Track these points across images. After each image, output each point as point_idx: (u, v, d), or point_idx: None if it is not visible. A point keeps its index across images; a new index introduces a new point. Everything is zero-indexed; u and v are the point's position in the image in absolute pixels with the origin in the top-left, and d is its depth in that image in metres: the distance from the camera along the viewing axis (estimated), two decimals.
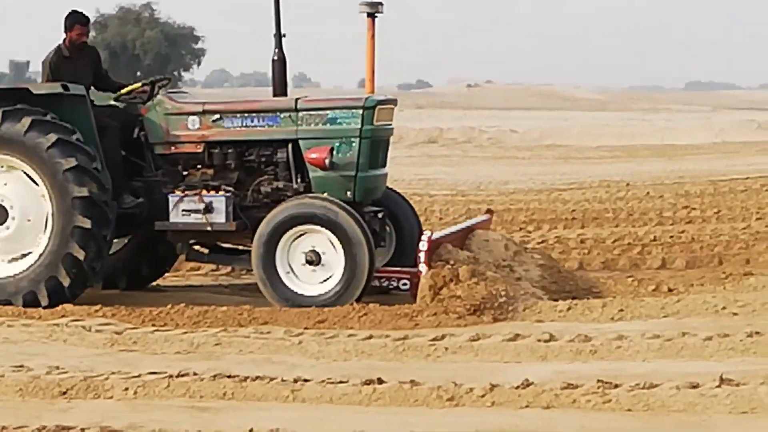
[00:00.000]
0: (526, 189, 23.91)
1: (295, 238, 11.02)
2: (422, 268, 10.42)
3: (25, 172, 11.06)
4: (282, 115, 11.68)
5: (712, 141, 42.42)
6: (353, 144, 11.41)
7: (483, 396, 6.77)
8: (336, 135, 11.48)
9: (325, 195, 11.12)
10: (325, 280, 10.95)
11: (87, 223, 10.72)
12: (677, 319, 9.21)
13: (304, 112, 11.59)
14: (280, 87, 12.23)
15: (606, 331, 8.75)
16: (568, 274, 12.03)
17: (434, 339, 8.72)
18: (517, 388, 6.83)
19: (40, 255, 10.93)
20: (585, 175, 27.33)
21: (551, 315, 9.67)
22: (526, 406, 6.64)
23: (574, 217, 17.93)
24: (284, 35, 12.14)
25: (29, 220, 11.07)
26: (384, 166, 11.93)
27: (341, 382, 7.17)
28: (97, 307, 10.41)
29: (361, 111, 11.43)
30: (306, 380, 7.22)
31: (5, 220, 11.08)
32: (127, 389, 7.30)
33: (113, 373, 7.66)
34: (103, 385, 7.36)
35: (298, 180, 11.57)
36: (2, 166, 11.18)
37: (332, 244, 10.84)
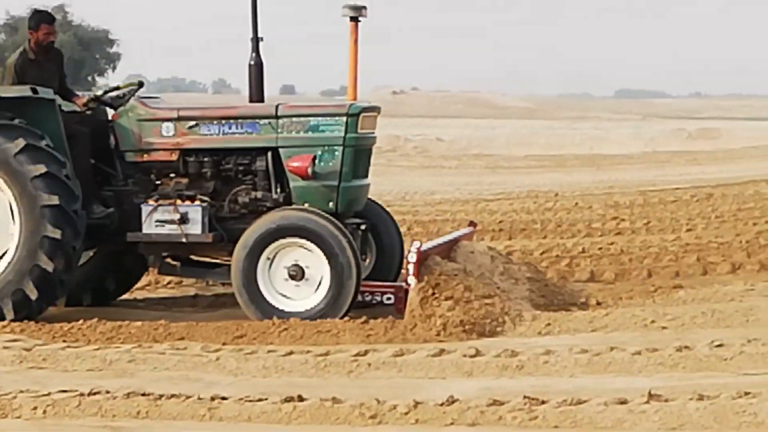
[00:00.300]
0: (452, 199, 23.94)
1: (278, 252, 10.83)
2: (411, 280, 10.28)
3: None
4: (262, 122, 11.48)
5: (642, 150, 42.85)
6: (336, 153, 11.24)
7: (407, 413, 6.75)
8: (318, 143, 11.30)
9: (307, 206, 10.98)
10: (308, 296, 10.77)
11: (57, 234, 10.49)
12: (605, 333, 9.27)
13: (285, 119, 11.41)
14: (257, 93, 12.07)
15: (533, 346, 8.76)
16: (556, 288, 11.99)
17: (357, 354, 8.69)
18: (442, 405, 6.82)
19: (6, 267, 10.67)
20: (513, 185, 27.43)
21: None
22: (451, 424, 6.63)
23: (501, 228, 17.91)
24: (261, 39, 11.95)
25: None
26: (366, 176, 11.76)
27: (260, 400, 7.11)
28: (5, 322, 10.20)
29: (345, 118, 11.26)
30: (223, 398, 7.16)
31: None
32: (36, 408, 7.17)
33: (21, 391, 7.52)
34: (11, 404, 7.24)
35: (278, 190, 11.38)
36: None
37: (317, 258, 10.68)
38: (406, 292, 10.44)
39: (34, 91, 10.88)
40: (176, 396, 7.23)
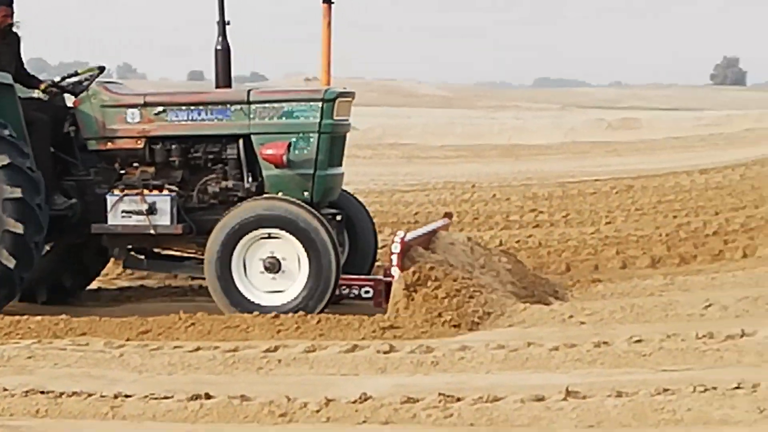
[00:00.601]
0: (367, 190, 23.39)
1: (253, 243, 10.69)
2: (395, 271, 10.22)
3: None
4: (233, 108, 11.29)
5: (561, 141, 42.74)
6: (311, 140, 11.08)
7: (318, 411, 6.71)
8: (293, 130, 11.14)
9: (282, 195, 10.81)
10: (285, 289, 10.64)
11: (19, 228, 10.28)
12: (523, 328, 9.28)
13: (258, 105, 11.24)
14: (224, 78, 11.76)
15: (449, 342, 8.77)
16: (536, 278, 12.06)
17: (267, 350, 8.69)
18: (354, 402, 6.80)
19: None
20: (429, 176, 27.41)
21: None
22: (364, 422, 6.60)
23: (417, 220, 17.88)
24: (228, 23, 11.68)
25: None
26: (341, 164, 11.62)
27: (165, 397, 7.04)
28: None
29: (320, 104, 11.12)
30: (127, 396, 7.09)
31: None
32: None
33: None
34: None
35: (250, 179, 11.21)
36: None
37: (295, 250, 10.56)
38: (387, 285, 10.42)
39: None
40: (77, 394, 7.13)
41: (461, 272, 10.52)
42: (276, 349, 8.75)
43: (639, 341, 8.30)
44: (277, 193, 10.90)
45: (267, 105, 11.25)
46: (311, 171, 10.99)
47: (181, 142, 11.31)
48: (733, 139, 39.30)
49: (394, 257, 10.25)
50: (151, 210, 10.93)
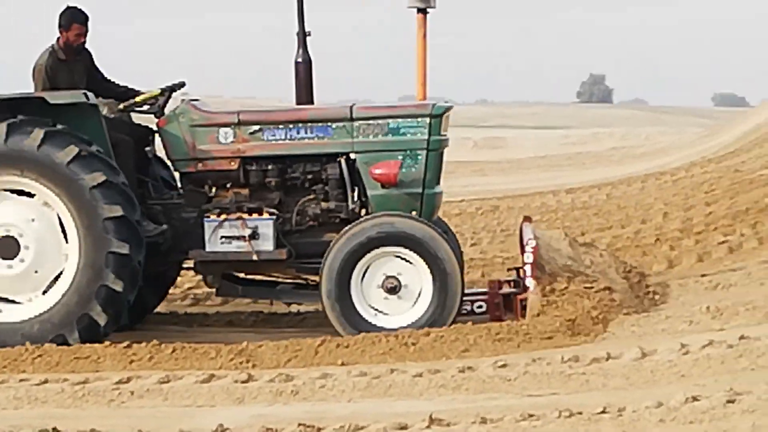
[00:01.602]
0: None
1: (372, 263, 10.52)
2: (529, 282, 10.20)
3: (48, 204, 10.30)
4: (334, 126, 11.07)
5: None
6: (419, 157, 10.96)
7: None
8: (400, 147, 11.00)
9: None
10: (407, 311, 10.48)
11: (124, 248, 10.08)
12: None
13: (362, 122, 11.04)
14: (306, 92, 11.67)
15: (309, 371, 8.75)
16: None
17: (119, 382, 8.58)
18: None
19: (66, 291, 10.17)
20: None
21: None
22: None
23: None
24: (309, 33, 11.61)
25: (44, 253, 10.31)
26: (440, 182, 11.41)
27: None
28: None
29: (428, 119, 11.00)
30: None
31: (16, 254, 10.29)
32: None
33: None
34: None
35: (354, 199, 11.09)
36: (8, 190, 10.38)
37: (417, 270, 10.45)
38: (503, 297, 10.68)
39: (86, 96, 10.46)
40: None
41: (584, 274, 10.85)
42: (128, 380, 8.65)
43: (504, 366, 8.35)
44: (372, 210, 10.88)
45: (371, 122, 11.05)
46: (420, 190, 10.90)
47: (278, 162, 11.09)
48: (599, 157, 39.83)
49: (528, 268, 10.24)
50: (253, 235, 10.72)
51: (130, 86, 11.51)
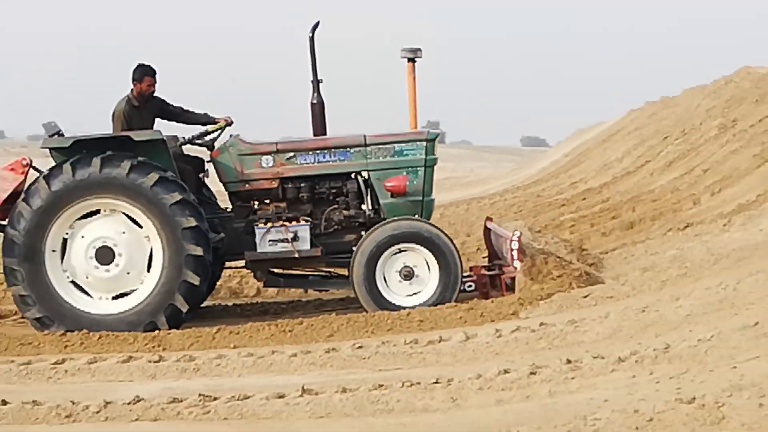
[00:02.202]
0: None
1: (391, 256, 10.77)
2: (517, 264, 10.43)
3: (125, 214, 10.45)
4: (352, 150, 11.38)
5: None
6: (419, 172, 11.37)
7: (98, 412, 6.56)
8: (403, 165, 11.38)
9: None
10: (417, 293, 10.77)
11: (198, 251, 10.28)
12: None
13: (373, 147, 11.40)
14: (321, 128, 11.68)
15: (208, 352, 8.73)
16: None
17: (55, 363, 8.46)
18: (129, 404, 6.66)
19: (153, 288, 10.33)
20: None
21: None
22: (137, 419, 6.48)
23: None
24: (321, 81, 11.65)
25: (132, 260, 10.41)
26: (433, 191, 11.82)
27: None
28: None
29: (425, 143, 11.43)
30: None
31: (111, 261, 10.35)
32: None
33: None
34: None
35: (369, 207, 11.55)
36: (105, 210, 10.45)
37: (426, 260, 10.75)
38: (490, 278, 11.21)
39: (160, 134, 10.75)
40: None
41: (556, 257, 11.11)
42: (63, 361, 8.53)
43: (360, 347, 8.35)
44: (386, 216, 11.17)
45: (381, 146, 11.40)
46: (421, 198, 11.33)
47: (308, 180, 11.36)
48: (436, 186, 39.85)
49: (515, 252, 10.49)
50: (294, 238, 10.96)
51: (205, 113, 11.71)
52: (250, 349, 8.70)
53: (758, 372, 5.88)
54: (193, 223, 10.27)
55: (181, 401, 6.71)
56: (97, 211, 10.45)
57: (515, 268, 10.55)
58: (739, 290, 8.12)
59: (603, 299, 9.37)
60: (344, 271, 11.31)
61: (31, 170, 10.68)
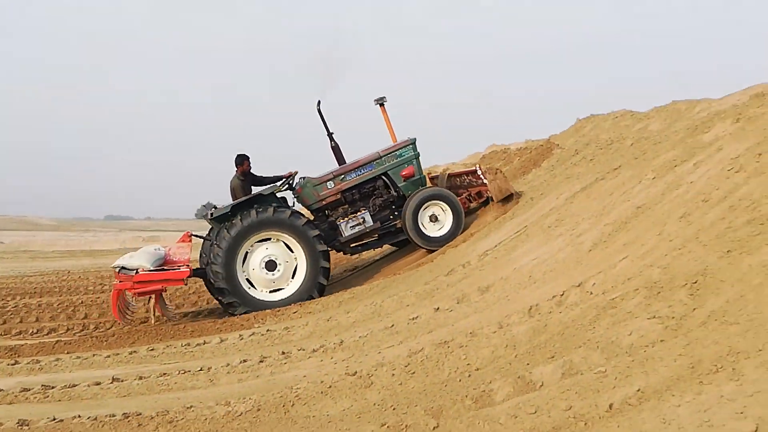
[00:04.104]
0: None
1: (423, 211, 11.27)
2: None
3: (284, 242, 10.61)
4: (375, 162, 11.62)
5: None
6: (414, 162, 11.72)
7: None
8: (406, 161, 11.69)
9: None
10: (440, 229, 11.26)
11: (327, 264, 10.58)
12: None
13: (385, 156, 11.65)
14: (341, 159, 11.79)
15: (49, 356, 8.03)
16: None
17: None
18: None
19: (300, 285, 10.54)
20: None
21: None
22: None
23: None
24: (333, 133, 11.59)
25: (288, 267, 10.63)
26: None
27: None
28: None
29: (411, 145, 11.73)
30: None
31: (275, 269, 10.53)
32: None
33: None
34: None
35: (394, 191, 11.73)
36: (273, 239, 10.57)
37: (443, 210, 11.29)
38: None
39: (275, 192, 10.95)
40: None
41: None
42: None
43: (152, 349, 7.98)
44: (407, 194, 11.62)
45: (390, 154, 11.67)
46: (419, 177, 11.75)
47: (356, 188, 11.65)
48: None
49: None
50: (363, 221, 11.37)
51: (274, 175, 11.45)
52: (78, 353, 8.15)
53: (393, 354, 5.99)
54: (324, 248, 10.60)
55: (29, 390, 6.24)
56: (267, 239, 10.62)
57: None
58: (383, 306, 8.23)
59: (305, 314, 9.34)
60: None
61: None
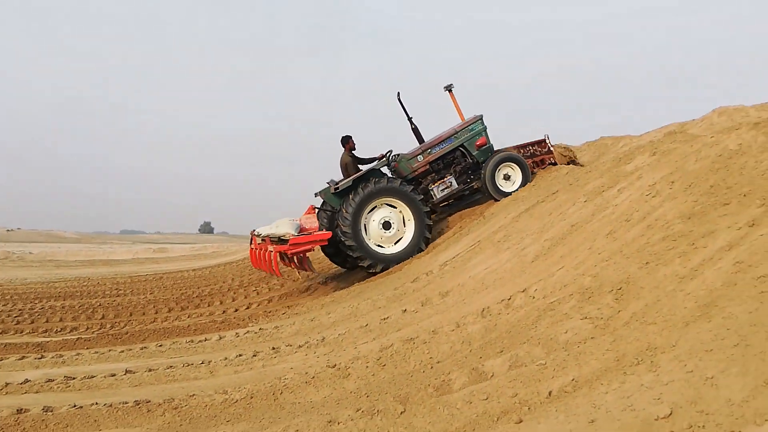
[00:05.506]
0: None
1: (497, 171, 11.19)
2: None
3: (395, 206, 10.63)
4: (452, 136, 11.52)
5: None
6: (483, 133, 11.55)
7: (0, 389, 5.79)
8: (477, 133, 11.54)
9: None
10: (513, 187, 11.13)
11: (430, 222, 10.62)
12: None
13: (461, 131, 11.55)
14: (421, 139, 11.77)
15: (71, 351, 7.83)
16: None
17: None
18: (21, 384, 5.92)
19: (409, 242, 10.55)
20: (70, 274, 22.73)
21: None
22: (26, 393, 5.73)
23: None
24: (412, 117, 11.62)
25: (398, 229, 10.63)
26: None
27: None
28: None
29: (480, 120, 11.60)
30: None
31: (390, 228, 10.56)
32: None
33: None
34: None
35: (470, 158, 11.56)
36: (388, 204, 10.61)
37: (517, 170, 11.19)
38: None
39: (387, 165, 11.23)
40: None
41: None
42: None
43: (161, 345, 7.83)
44: (482, 160, 11.51)
45: (464, 128, 11.57)
46: (489, 145, 11.57)
47: (440, 159, 11.58)
48: (206, 256, 37.58)
49: None
50: (451, 184, 11.37)
51: (371, 156, 11.42)
52: (96, 349, 7.99)
53: (367, 349, 5.94)
54: (427, 208, 10.67)
55: (53, 380, 6.10)
56: (377, 206, 10.62)
57: None
58: (359, 308, 8.17)
59: (292, 315, 9.26)
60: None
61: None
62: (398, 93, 11.46)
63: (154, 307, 11.81)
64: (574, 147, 14.90)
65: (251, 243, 11.25)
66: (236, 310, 10.88)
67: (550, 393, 3.95)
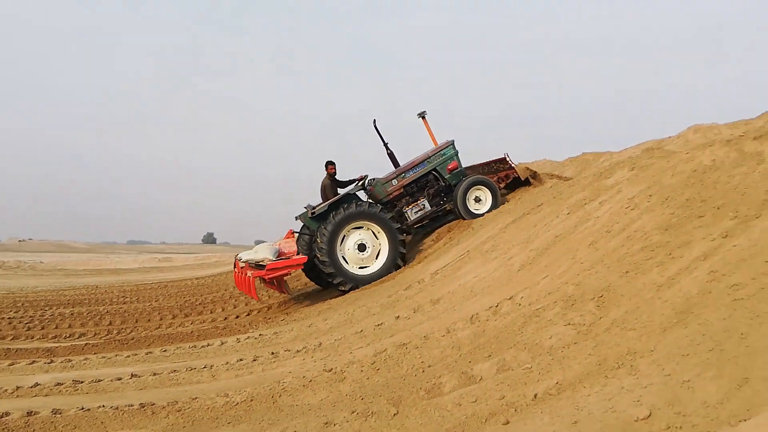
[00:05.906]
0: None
1: (468, 194, 11.16)
2: None
3: (372, 230, 10.53)
4: (425, 161, 11.52)
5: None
6: (454, 158, 11.52)
7: (12, 392, 5.69)
8: (449, 157, 11.52)
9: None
10: (483, 209, 11.10)
11: (403, 249, 10.52)
12: None
13: (434, 156, 11.54)
14: (395, 162, 11.75)
15: (79, 356, 7.75)
16: None
17: None
18: (31, 387, 5.84)
19: (381, 265, 10.42)
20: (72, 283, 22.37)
21: None
22: (36, 396, 5.66)
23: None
24: (388, 143, 11.59)
25: (374, 249, 10.50)
26: None
27: None
28: None
29: (451, 145, 11.60)
30: None
31: (365, 250, 10.44)
32: None
33: None
34: None
35: (443, 182, 11.53)
36: (364, 228, 10.48)
37: (487, 193, 11.12)
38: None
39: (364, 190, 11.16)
40: None
41: None
42: None
43: (165, 350, 7.78)
44: (454, 183, 11.45)
45: (436, 153, 11.54)
46: (460, 168, 11.55)
47: (414, 182, 11.55)
48: (205, 266, 37.37)
49: None
50: (424, 206, 11.31)
51: (347, 179, 11.39)
52: (103, 354, 7.91)
53: (362, 354, 5.92)
54: (402, 237, 10.55)
55: (62, 384, 6.04)
56: (358, 228, 10.50)
57: None
58: (354, 315, 8.13)
59: (290, 321, 9.22)
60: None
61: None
62: (374, 120, 11.52)
63: (159, 314, 11.78)
64: (556, 162, 14.95)
65: (234, 267, 11.34)
66: (237, 317, 10.84)
67: (535, 395, 3.95)
